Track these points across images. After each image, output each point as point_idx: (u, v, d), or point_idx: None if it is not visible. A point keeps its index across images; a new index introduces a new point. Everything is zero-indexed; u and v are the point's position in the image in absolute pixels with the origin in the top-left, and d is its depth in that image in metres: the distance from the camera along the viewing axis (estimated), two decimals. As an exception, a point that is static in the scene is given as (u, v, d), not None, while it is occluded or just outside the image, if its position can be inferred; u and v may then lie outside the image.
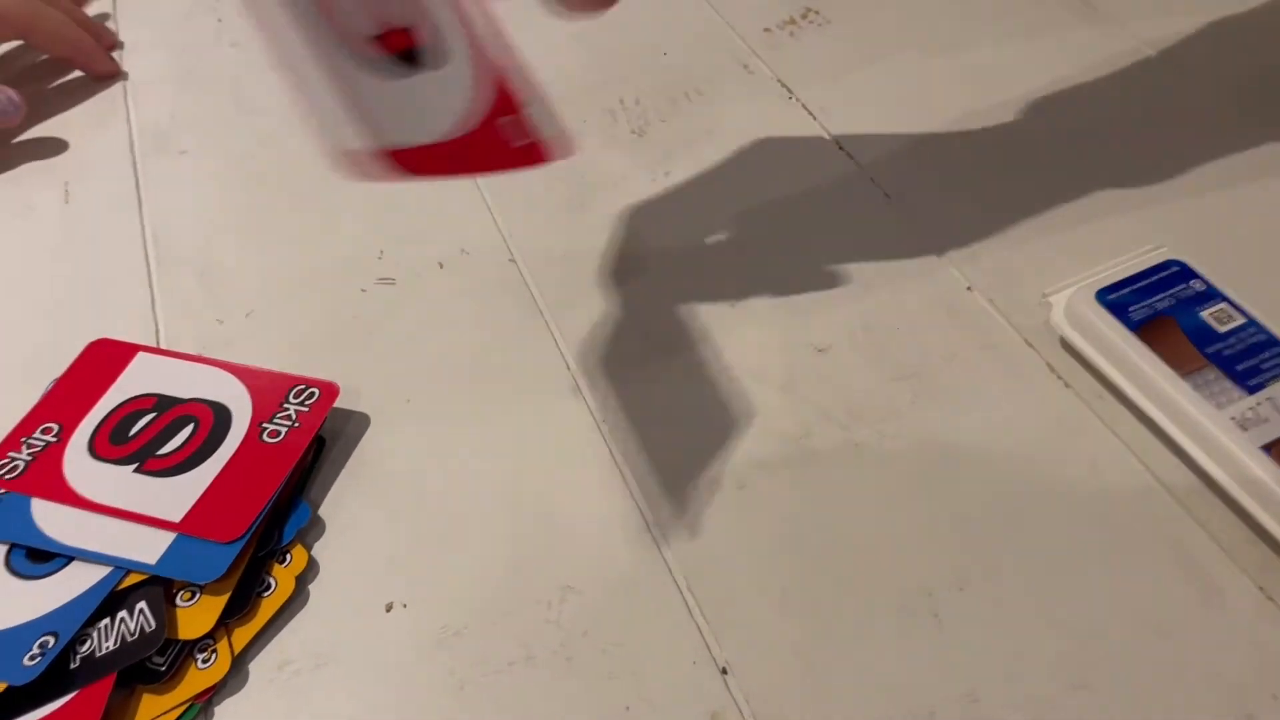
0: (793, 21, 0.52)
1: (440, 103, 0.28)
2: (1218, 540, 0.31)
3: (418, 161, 0.29)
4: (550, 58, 0.51)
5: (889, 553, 0.32)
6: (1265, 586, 0.30)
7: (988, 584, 0.31)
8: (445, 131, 0.28)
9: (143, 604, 0.32)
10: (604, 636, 0.31)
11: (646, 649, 0.31)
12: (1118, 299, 0.34)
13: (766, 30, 0.52)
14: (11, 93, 0.49)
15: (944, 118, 0.45)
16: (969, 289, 0.39)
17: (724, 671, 0.30)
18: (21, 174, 0.49)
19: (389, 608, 0.33)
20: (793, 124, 0.46)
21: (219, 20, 0.58)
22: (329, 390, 0.37)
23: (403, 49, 0.28)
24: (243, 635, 0.32)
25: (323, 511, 0.35)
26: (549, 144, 0.28)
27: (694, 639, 0.31)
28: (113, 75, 0.54)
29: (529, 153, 0.28)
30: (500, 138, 0.28)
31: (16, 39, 0.52)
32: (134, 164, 0.50)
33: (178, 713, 0.31)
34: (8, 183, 0.49)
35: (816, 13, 0.52)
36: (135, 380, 0.38)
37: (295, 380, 0.37)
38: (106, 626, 0.31)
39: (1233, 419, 0.31)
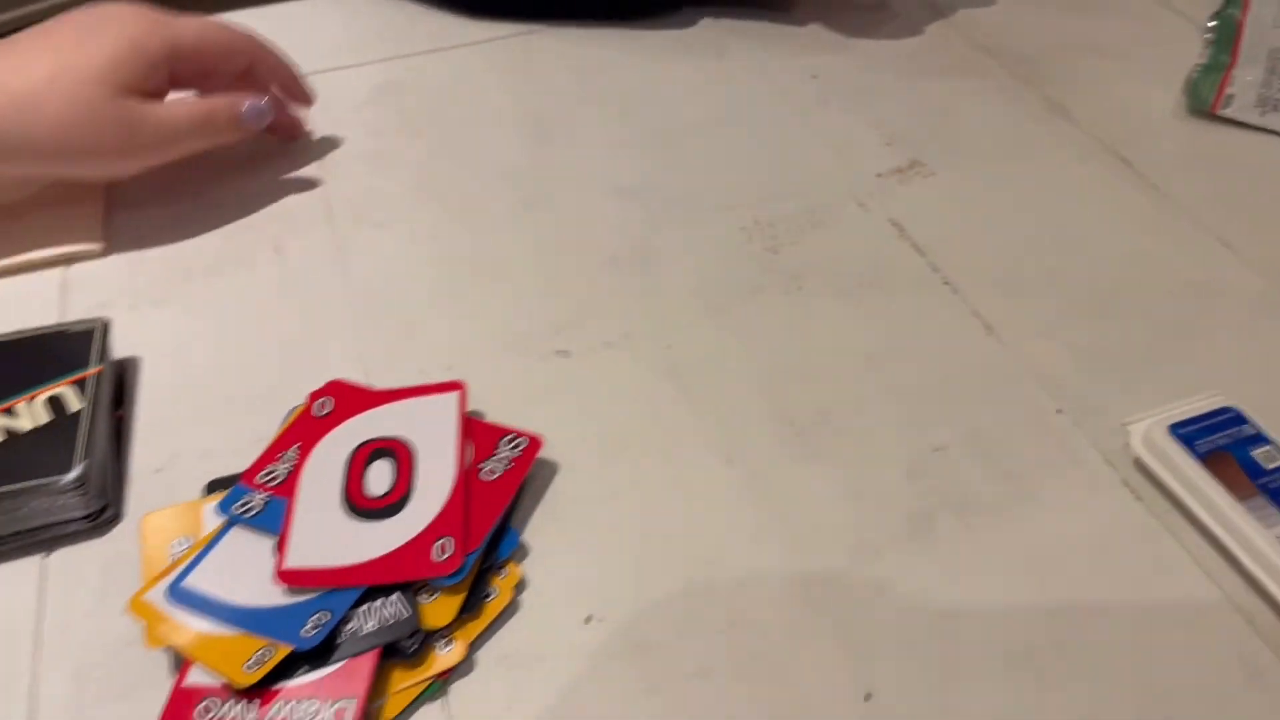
0: (900, 171, 0.62)
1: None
2: (1261, 636, 0.39)
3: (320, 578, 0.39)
4: (687, 177, 0.60)
5: (998, 617, 0.40)
6: (1299, 673, 0.38)
7: (1076, 649, 0.39)
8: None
9: (396, 596, 0.39)
10: (767, 662, 0.39)
11: (803, 674, 0.38)
12: (1186, 433, 0.43)
13: (879, 175, 0.61)
14: (264, 98, 0.57)
15: (1036, 265, 0.54)
16: (1059, 411, 0.47)
17: (867, 698, 0.38)
18: (235, 230, 0.58)
19: (588, 619, 0.40)
20: (903, 259, 0.55)
21: (401, 110, 0.68)
22: (534, 442, 0.45)
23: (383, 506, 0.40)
24: (472, 630, 0.39)
25: (525, 537, 0.43)
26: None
27: (843, 669, 0.38)
28: (299, 131, 0.64)
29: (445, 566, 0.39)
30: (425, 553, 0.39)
31: (248, 65, 0.59)
32: (335, 230, 0.58)
33: (422, 687, 0.38)
34: (225, 230, 0.57)
35: (923, 164, 0.62)
36: (371, 421, 0.45)
37: (505, 430, 0.45)
38: (367, 611, 0.39)
39: (1278, 537, 0.39)
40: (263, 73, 0.60)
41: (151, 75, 0.54)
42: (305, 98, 0.63)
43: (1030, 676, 0.38)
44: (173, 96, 0.56)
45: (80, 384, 0.45)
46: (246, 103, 0.57)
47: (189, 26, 0.56)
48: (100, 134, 0.52)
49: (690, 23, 0.75)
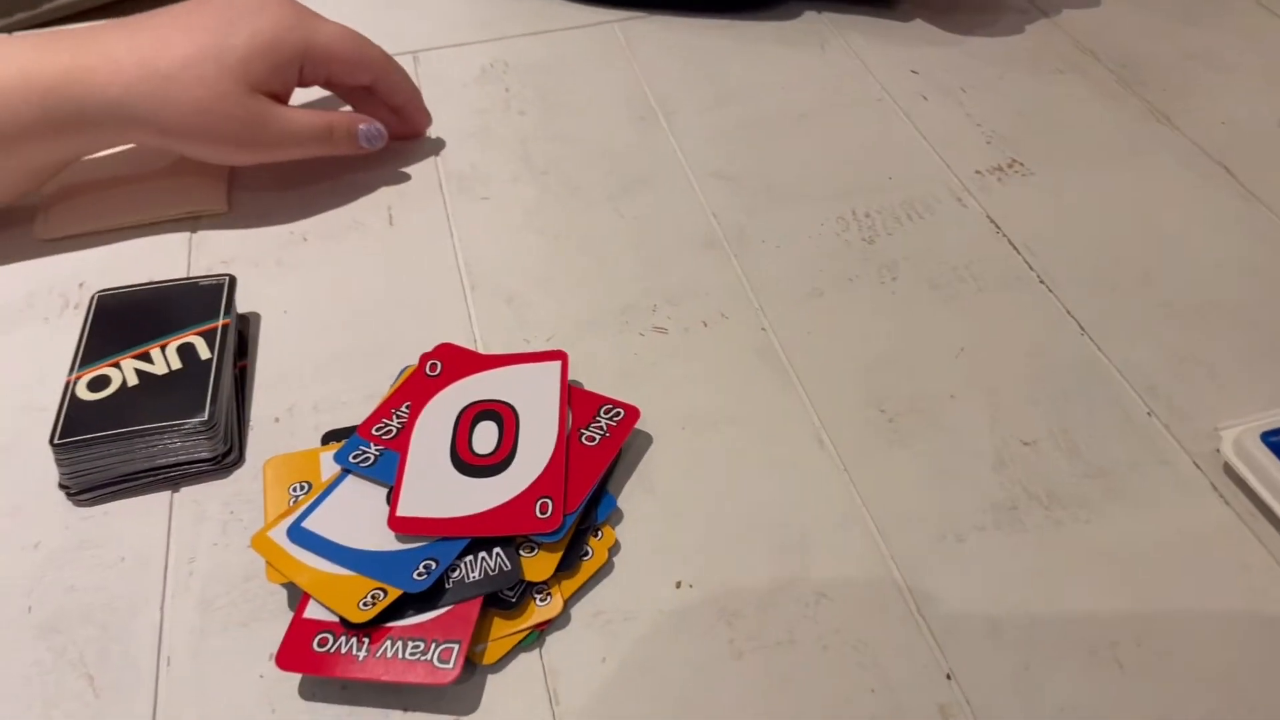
0: (1000, 169, 0.62)
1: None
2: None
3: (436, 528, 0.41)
4: (784, 164, 0.62)
5: (1079, 609, 0.40)
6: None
7: (1157, 645, 0.39)
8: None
9: (499, 549, 0.41)
10: (852, 635, 0.40)
11: (885, 650, 0.39)
12: (1277, 442, 0.43)
13: (978, 172, 0.62)
14: (378, 124, 0.60)
15: (1133, 268, 0.55)
16: (1149, 414, 0.48)
17: (948, 677, 0.39)
18: (349, 198, 0.60)
19: (678, 584, 0.42)
20: (999, 255, 0.56)
21: (506, 90, 0.70)
22: (632, 412, 0.47)
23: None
24: (569, 586, 0.41)
25: (620, 503, 0.45)
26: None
27: (924, 649, 0.39)
28: (421, 134, 0.65)
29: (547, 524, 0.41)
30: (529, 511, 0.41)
31: (371, 81, 0.60)
32: (444, 202, 0.60)
33: (520, 636, 0.40)
34: (340, 198, 0.60)
35: (1021, 164, 0.62)
36: (478, 384, 0.47)
37: (604, 400, 0.47)
38: (471, 561, 0.41)
39: (1369, 548, 0.39)
40: (385, 90, 0.61)
41: (284, 73, 0.56)
42: (420, 123, 0.64)
43: (1110, 672, 0.39)
44: (297, 98, 0.59)
45: (209, 334, 0.48)
46: (363, 125, 0.58)
47: (327, 31, 0.57)
48: (226, 126, 0.54)
49: (792, 15, 0.76)
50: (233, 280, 0.52)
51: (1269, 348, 0.51)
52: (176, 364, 0.47)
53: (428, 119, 0.65)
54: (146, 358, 0.47)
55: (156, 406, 0.45)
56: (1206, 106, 0.66)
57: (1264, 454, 0.43)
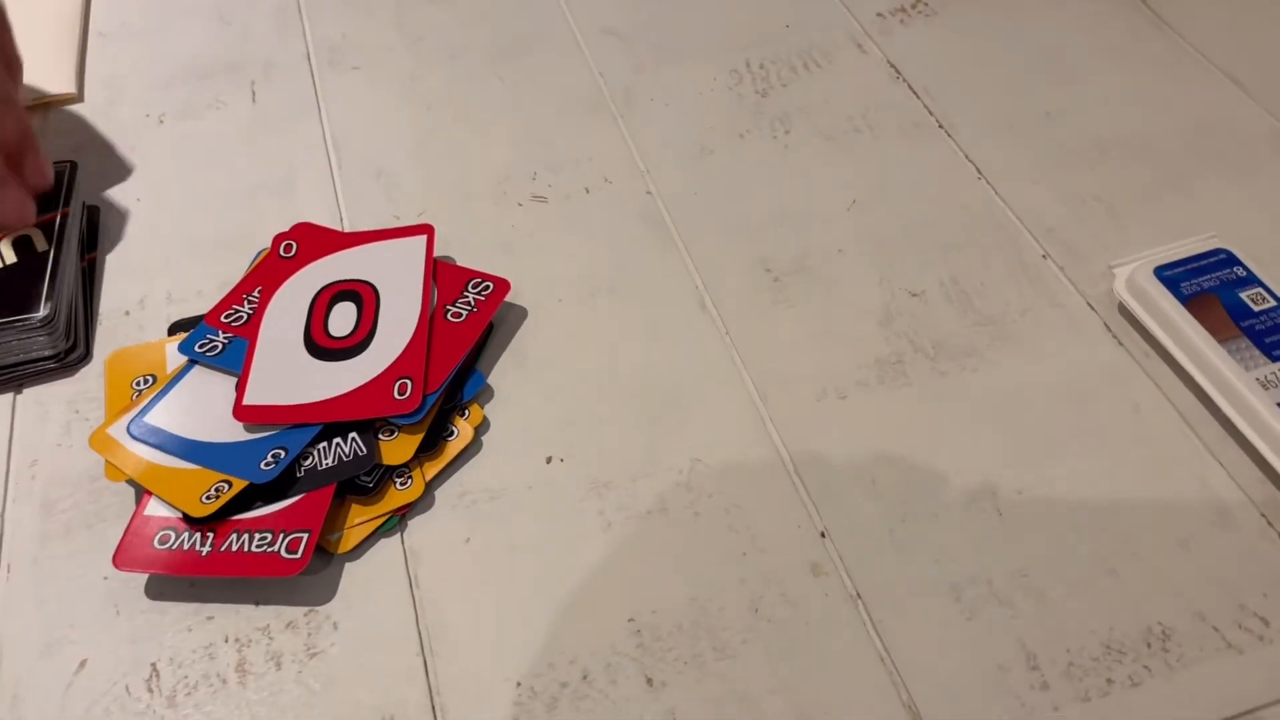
0: (903, 10, 0.58)
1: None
2: (1234, 478, 0.38)
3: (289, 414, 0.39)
4: (679, 16, 0.58)
5: (962, 459, 0.39)
6: (1267, 514, 0.37)
7: (1039, 490, 0.38)
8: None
9: (354, 434, 0.39)
10: (725, 499, 0.38)
11: (759, 512, 0.38)
12: (1172, 275, 0.41)
13: (879, 15, 0.58)
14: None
15: (1036, 107, 0.52)
16: (1043, 256, 0.45)
17: (823, 535, 0.37)
18: (213, 70, 0.56)
19: (549, 460, 0.40)
20: (898, 101, 0.53)
21: (382, -48, 0.65)
22: (502, 285, 0.44)
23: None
24: (431, 468, 0.39)
25: (491, 380, 0.42)
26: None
27: (799, 508, 0.38)
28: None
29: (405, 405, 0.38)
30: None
31: None
32: (312, 74, 0.56)
33: (379, 521, 0.38)
34: (201, 77, 0.56)
35: (925, 4, 0.59)
36: (337, 263, 0.45)
37: (473, 274, 0.44)
38: (324, 448, 0.39)
39: (1257, 379, 0.38)
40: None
41: None
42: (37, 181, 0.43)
43: (989, 520, 0.37)
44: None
45: (47, 226, 0.45)
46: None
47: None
48: None
49: None
50: (74, 166, 0.48)
51: (1174, 181, 0.48)
52: (11, 257, 0.44)
53: (44, 179, 0.43)
54: (-24, 253, 0.44)
55: (-14, 304, 0.42)
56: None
57: (1157, 289, 0.41)
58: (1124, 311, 0.43)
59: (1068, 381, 0.41)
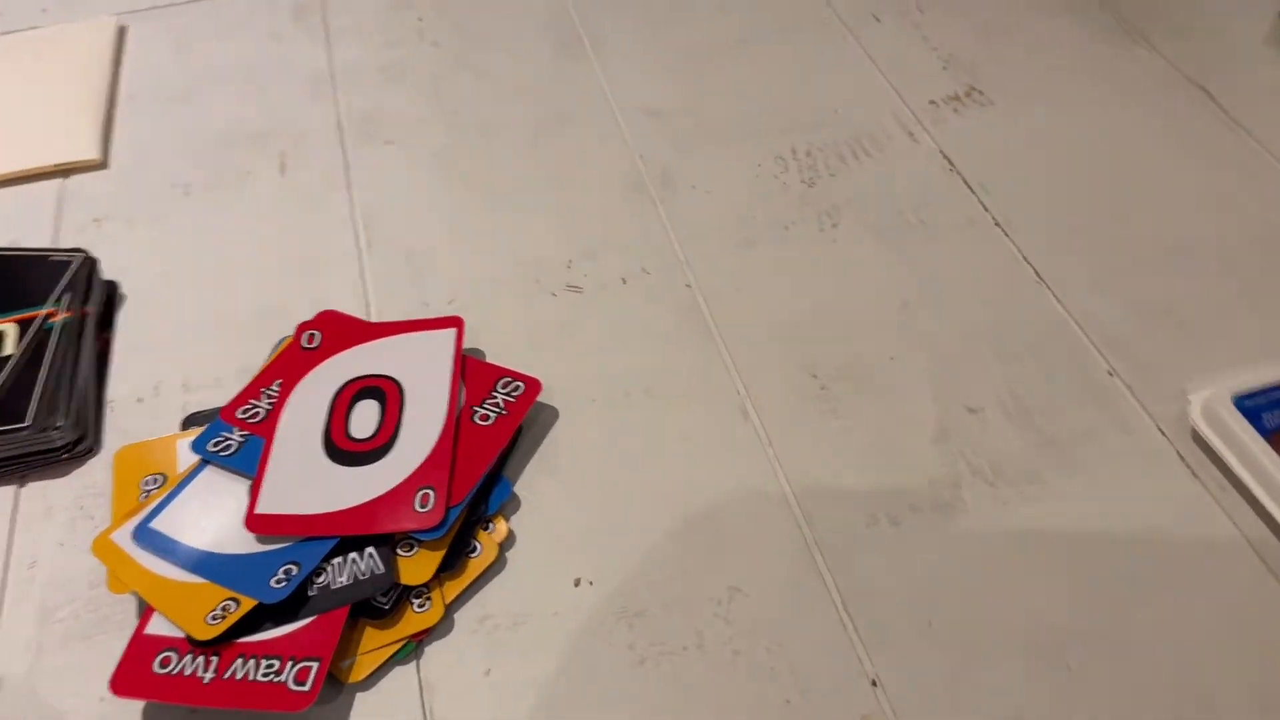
0: (957, 98, 0.56)
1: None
2: (1321, 633, 0.35)
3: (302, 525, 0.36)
4: (722, 96, 0.56)
5: (1026, 601, 0.36)
6: (1361, 680, 0.34)
7: (1110, 641, 0.35)
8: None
9: (371, 549, 0.36)
10: (767, 636, 0.35)
11: (804, 653, 0.35)
12: (1253, 405, 0.38)
13: (932, 103, 0.56)
14: None
15: (1100, 208, 0.49)
16: (1110, 373, 0.43)
17: (874, 683, 0.34)
18: (242, 138, 0.55)
19: (576, 582, 0.37)
20: (952, 195, 0.51)
21: (420, 19, 0.63)
22: (533, 385, 0.41)
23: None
24: (452, 588, 0.37)
25: (518, 489, 0.40)
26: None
27: (847, 650, 0.35)
28: None
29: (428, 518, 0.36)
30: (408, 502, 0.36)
31: None
32: (343, 146, 0.55)
33: (395, 647, 0.35)
34: (230, 146, 0.54)
35: (980, 92, 0.56)
36: (361, 356, 0.42)
37: (503, 372, 0.42)
38: (339, 563, 0.36)
39: (1350, 529, 0.35)
40: None
41: None
42: None
43: (1058, 675, 0.34)
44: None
45: (24, 324, 0.43)
46: None
47: None
48: None
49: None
50: (89, 260, 0.46)
51: (1249, 294, 0.45)
52: (10, 350, 0.42)
53: None
54: (-9, 334, 0.42)
55: (-6, 394, 0.40)
56: (1185, 21, 0.60)
57: (1237, 420, 0.38)
58: (1198, 440, 0.40)
59: (1138, 516, 0.38)
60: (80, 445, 0.41)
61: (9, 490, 0.40)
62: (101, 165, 0.54)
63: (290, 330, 0.44)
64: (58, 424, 0.40)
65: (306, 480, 0.38)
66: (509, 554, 0.38)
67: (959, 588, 0.36)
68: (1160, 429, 0.41)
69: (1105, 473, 0.40)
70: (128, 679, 0.34)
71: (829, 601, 0.36)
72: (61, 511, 0.40)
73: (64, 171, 0.54)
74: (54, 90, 0.56)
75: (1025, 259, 0.47)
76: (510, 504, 0.39)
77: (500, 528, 0.38)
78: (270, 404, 0.41)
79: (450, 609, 0.36)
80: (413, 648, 0.35)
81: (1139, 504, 0.39)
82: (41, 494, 0.40)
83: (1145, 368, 0.43)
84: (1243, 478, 0.38)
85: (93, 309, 0.45)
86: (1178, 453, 0.40)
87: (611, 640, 0.36)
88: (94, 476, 0.41)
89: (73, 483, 0.41)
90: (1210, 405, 0.39)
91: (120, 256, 0.48)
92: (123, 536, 0.37)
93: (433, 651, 0.36)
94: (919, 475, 0.40)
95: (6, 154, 0.53)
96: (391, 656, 0.35)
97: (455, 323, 0.43)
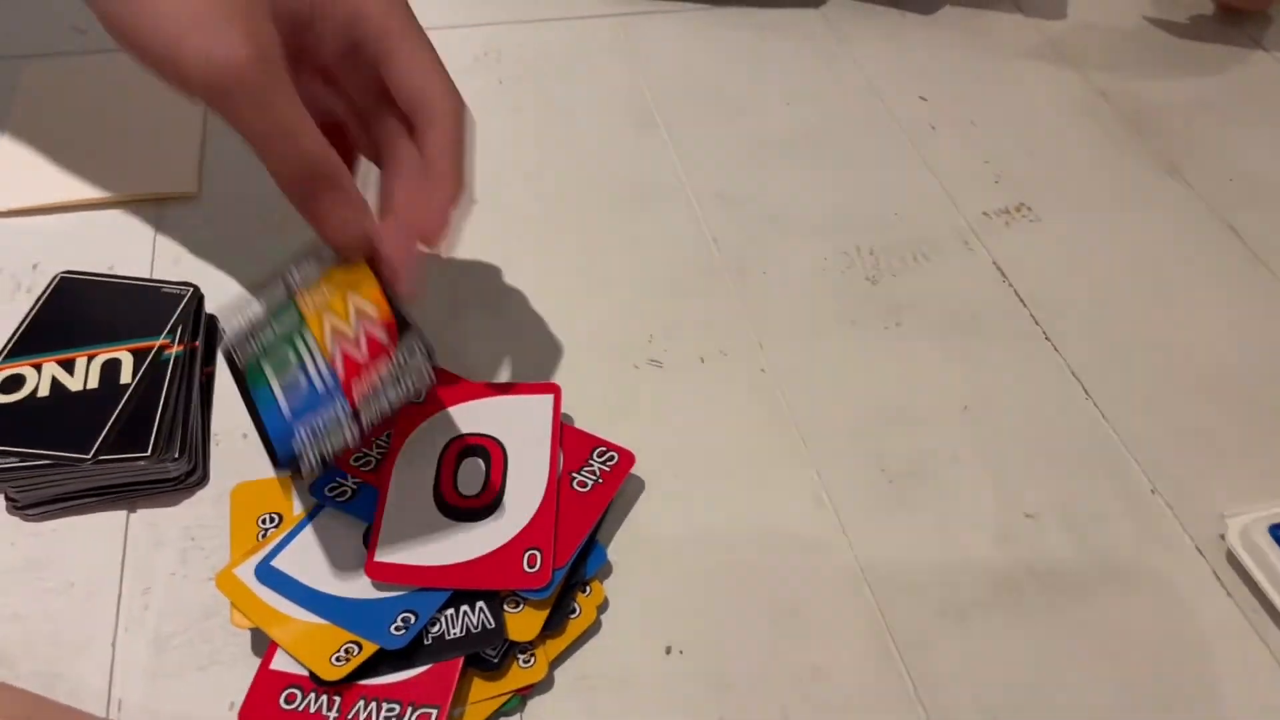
0: (1007, 212, 0.60)
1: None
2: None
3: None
4: (788, 188, 0.59)
5: (1076, 703, 0.39)
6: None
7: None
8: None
9: (482, 603, 0.39)
10: (848, 714, 0.38)
11: (881, 735, 0.38)
12: (1287, 535, 0.42)
13: (985, 214, 0.60)
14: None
15: (1140, 332, 0.53)
16: (1152, 491, 0.47)
17: (945, 768, 0.37)
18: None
19: (668, 650, 0.40)
20: (1005, 305, 0.54)
21: (499, 82, 0.66)
22: (627, 457, 0.44)
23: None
24: (554, 647, 0.39)
25: (610, 555, 0.42)
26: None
27: (920, 736, 0.38)
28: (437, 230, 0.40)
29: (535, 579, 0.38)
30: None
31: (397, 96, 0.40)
32: (432, 201, 0.57)
33: (501, 700, 0.38)
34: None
35: (1029, 209, 0.61)
36: (465, 414, 0.45)
37: (598, 441, 0.45)
38: (451, 615, 0.38)
39: (1376, 660, 0.39)
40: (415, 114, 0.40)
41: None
42: (441, 198, 0.40)
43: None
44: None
45: (140, 354, 0.45)
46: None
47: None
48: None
49: (805, 19, 0.74)
50: (197, 294, 0.48)
51: (1273, 425, 0.50)
52: (94, 382, 0.43)
53: (456, 190, 0.40)
54: (69, 366, 0.43)
55: (45, 431, 0.41)
56: (1216, 160, 0.65)
57: (1272, 548, 0.42)
58: (1233, 562, 0.43)
59: (1177, 630, 0.42)
60: (192, 477, 0.43)
61: (119, 515, 0.42)
62: (194, 195, 0.56)
63: (390, 380, 0.46)
64: (175, 455, 0.42)
65: (420, 532, 0.40)
66: (603, 617, 0.41)
67: (1020, 686, 0.40)
68: (1198, 548, 0.45)
69: (1147, 587, 0.43)
70: (257, 710, 0.35)
71: (903, 688, 0.39)
72: (173, 542, 0.41)
73: (159, 199, 0.55)
74: (152, 115, 0.58)
75: (1074, 374, 0.51)
76: (604, 569, 0.42)
77: (597, 591, 0.41)
78: (381, 454, 0.43)
79: (552, 666, 0.39)
80: (517, 702, 0.38)
81: (1177, 618, 0.42)
82: (151, 521, 0.42)
83: (1184, 488, 0.47)
84: (1276, 602, 0.41)
85: (200, 343, 0.46)
86: (1214, 572, 0.44)
87: (702, 709, 0.38)
88: (202, 509, 0.43)
89: (183, 513, 0.42)
90: (1247, 533, 0.43)
91: (219, 290, 0.50)
92: (245, 572, 0.39)
93: (535, 705, 0.38)
94: (983, 573, 0.43)
95: (108, 178, 0.55)
96: (498, 709, 0.37)
97: (553, 389, 0.46)
